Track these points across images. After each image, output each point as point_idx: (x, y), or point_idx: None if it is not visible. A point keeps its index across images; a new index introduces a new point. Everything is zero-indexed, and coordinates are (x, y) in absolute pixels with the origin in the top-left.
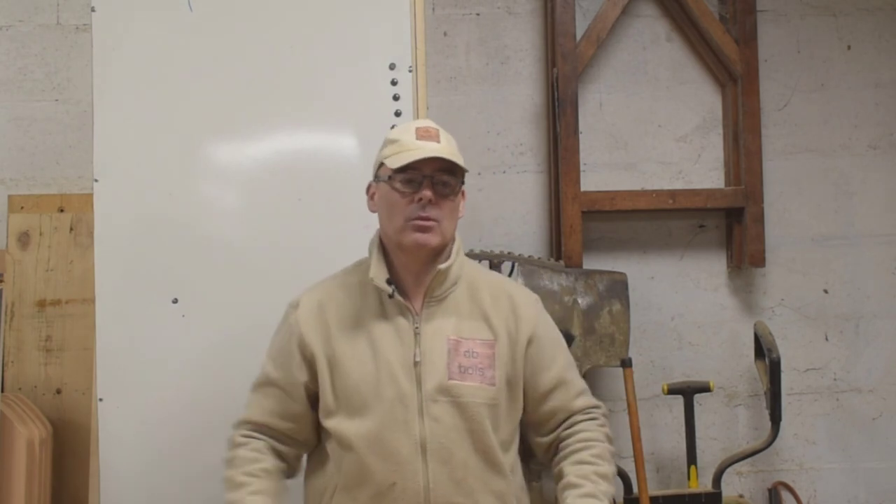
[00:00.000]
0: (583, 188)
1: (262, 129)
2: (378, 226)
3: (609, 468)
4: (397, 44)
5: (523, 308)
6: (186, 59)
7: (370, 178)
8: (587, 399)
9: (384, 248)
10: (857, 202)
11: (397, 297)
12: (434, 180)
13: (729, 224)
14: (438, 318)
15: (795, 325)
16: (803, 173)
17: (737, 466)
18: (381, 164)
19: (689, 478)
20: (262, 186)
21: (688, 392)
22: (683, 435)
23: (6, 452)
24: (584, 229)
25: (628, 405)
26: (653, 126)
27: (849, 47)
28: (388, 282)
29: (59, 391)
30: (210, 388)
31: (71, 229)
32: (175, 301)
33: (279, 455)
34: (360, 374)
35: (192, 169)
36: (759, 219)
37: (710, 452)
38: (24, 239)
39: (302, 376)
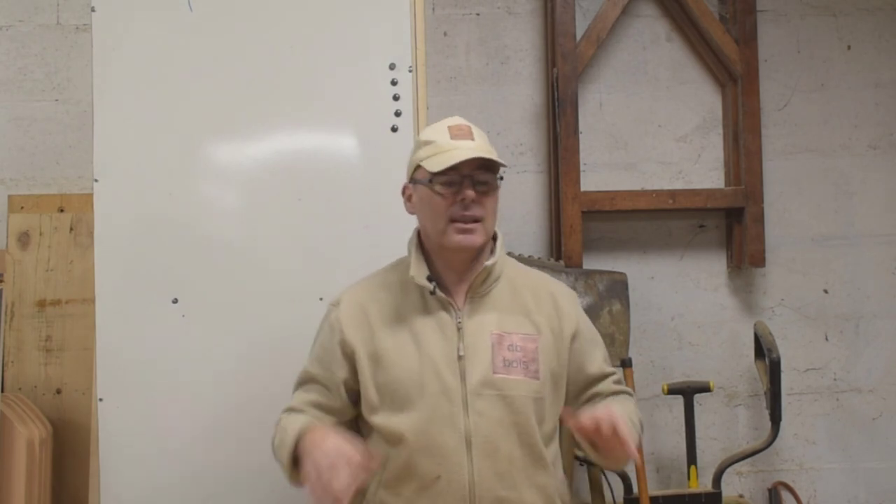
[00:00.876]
0: (583, 188)
1: (262, 129)
2: (417, 225)
3: (635, 410)
4: (397, 44)
5: (565, 305)
6: (186, 59)
7: (371, 178)
8: (623, 387)
9: (423, 246)
10: (857, 202)
11: (439, 293)
12: (474, 179)
13: (729, 224)
14: (481, 313)
15: (795, 325)
16: (803, 173)
17: (737, 466)
18: (418, 167)
19: (689, 478)
20: (262, 186)
21: (688, 392)
22: (683, 435)
23: (6, 452)
24: (584, 229)
25: None
26: (653, 126)
27: (849, 47)
28: (429, 278)
29: (59, 391)
30: (210, 387)
31: (71, 229)
32: (175, 301)
33: None
34: (403, 369)
35: (192, 169)
36: (759, 219)
37: (710, 452)
38: (24, 239)
39: (342, 373)
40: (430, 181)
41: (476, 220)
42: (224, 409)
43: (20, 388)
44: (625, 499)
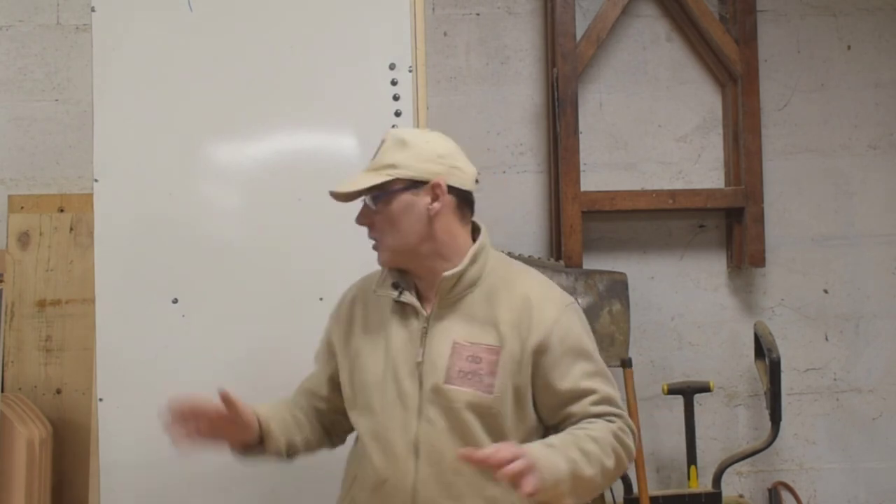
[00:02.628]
0: (583, 188)
1: (262, 129)
2: None
3: (598, 446)
4: (397, 44)
5: (539, 314)
6: (186, 59)
7: None
8: (609, 408)
9: None
10: (857, 202)
11: (405, 298)
12: (365, 201)
13: (729, 224)
14: (448, 321)
15: (795, 325)
16: (803, 173)
17: (737, 466)
18: None
19: (689, 478)
20: (262, 186)
21: (688, 392)
22: (683, 435)
23: (6, 452)
24: (584, 229)
25: (628, 405)
26: (653, 126)
27: (849, 47)
28: (396, 286)
29: (59, 391)
30: (210, 387)
31: (71, 229)
32: (175, 301)
33: (320, 417)
34: (370, 372)
35: (192, 169)
36: (759, 219)
37: (710, 452)
38: (24, 239)
39: (327, 366)
40: None
41: (375, 241)
42: None
43: (20, 388)
44: (625, 499)
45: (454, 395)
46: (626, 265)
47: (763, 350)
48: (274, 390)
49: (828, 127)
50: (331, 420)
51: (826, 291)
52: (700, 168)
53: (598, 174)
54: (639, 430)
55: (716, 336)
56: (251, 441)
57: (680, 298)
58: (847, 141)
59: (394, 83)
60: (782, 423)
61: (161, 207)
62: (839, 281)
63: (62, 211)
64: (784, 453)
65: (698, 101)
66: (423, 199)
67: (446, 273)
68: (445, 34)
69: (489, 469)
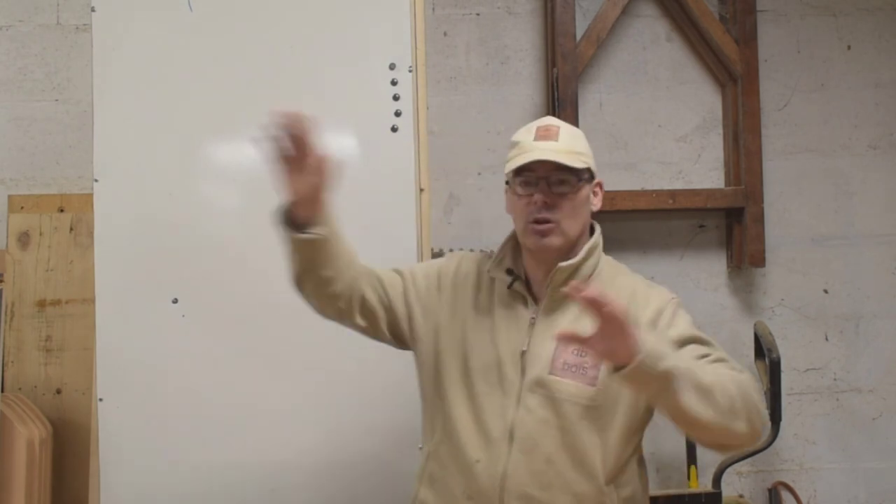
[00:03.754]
0: None
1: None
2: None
3: (738, 378)
4: (397, 44)
5: (648, 299)
6: (186, 59)
7: (371, 178)
8: (728, 363)
9: (517, 241)
10: (857, 202)
11: (517, 287)
12: (550, 180)
13: (729, 224)
14: (557, 313)
15: (795, 325)
16: (803, 173)
17: (737, 466)
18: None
19: (689, 478)
20: (262, 186)
21: None
22: (683, 435)
23: (6, 452)
24: None
25: None
26: (653, 126)
27: (849, 47)
28: (509, 272)
29: (59, 391)
30: (210, 387)
31: (71, 229)
32: (175, 301)
33: (360, 290)
34: (476, 354)
35: (192, 169)
36: (759, 219)
37: (710, 452)
38: (24, 239)
39: (399, 306)
40: (510, 182)
41: (550, 222)
42: (224, 408)
43: (20, 388)
44: None
45: (559, 386)
46: (626, 265)
47: (763, 350)
48: (274, 390)
49: (828, 127)
50: (358, 302)
51: (826, 291)
52: (700, 168)
53: (598, 174)
54: None
55: (716, 336)
56: (311, 213)
57: (680, 298)
58: (847, 141)
59: (394, 83)
60: (782, 423)
61: (161, 207)
62: (839, 281)
63: (62, 211)
64: (784, 453)
65: (698, 101)
66: (590, 194)
67: (562, 264)
68: (445, 34)
69: (590, 304)
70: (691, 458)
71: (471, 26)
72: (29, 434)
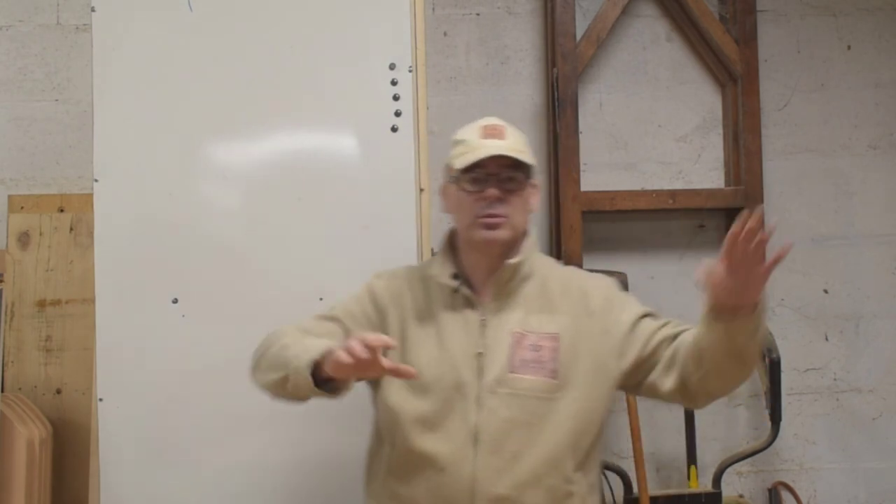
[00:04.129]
0: (583, 188)
1: (262, 129)
2: (452, 225)
3: None
4: (397, 44)
5: (595, 301)
6: (186, 59)
7: (371, 178)
8: (678, 324)
9: (454, 246)
10: (857, 202)
11: (462, 290)
12: (500, 177)
13: (729, 224)
14: (505, 312)
15: (795, 325)
16: (803, 173)
17: (737, 466)
18: (450, 166)
19: (689, 478)
20: (262, 186)
21: None
22: (683, 435)
23: (6, 452)
24: (584, 229)
25: (628, 405)
26: (653, 126)
27: (849, 47)
28: (455, 276)
29: (59, 391)
30: (210, 388)
31: (71, 229)
32: (175, 301)
33: None
34: (424, 361)
35: (192, 169)
36: (759, 219)
37: (710, 452)
38: (24, 239)
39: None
40: (458, 179)
41: (501, 217)
42: (224, 409)
43: (20, 388)
44: (625, 499)
45: (521, 383)
46: (626, 265)
47: (763, 350)
48: None
49: (828, 127)
50: None
51: (826, 291)
52: (700, 168)
53: (598, 174)
54: (639, 430)
55: None
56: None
57: (680, 298)
58: (847, 141)
59: (394, 83)
60: (782, 423)
61: (161, 207)
62: (839, 281)
63: (62, 211)
64: (784, 453)
65: (698, 101)
66: (531, 191)
67: (509, 261)
68: (445, 34)
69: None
70: (691, 458)
71: (471, 26)
72: (29, 434)
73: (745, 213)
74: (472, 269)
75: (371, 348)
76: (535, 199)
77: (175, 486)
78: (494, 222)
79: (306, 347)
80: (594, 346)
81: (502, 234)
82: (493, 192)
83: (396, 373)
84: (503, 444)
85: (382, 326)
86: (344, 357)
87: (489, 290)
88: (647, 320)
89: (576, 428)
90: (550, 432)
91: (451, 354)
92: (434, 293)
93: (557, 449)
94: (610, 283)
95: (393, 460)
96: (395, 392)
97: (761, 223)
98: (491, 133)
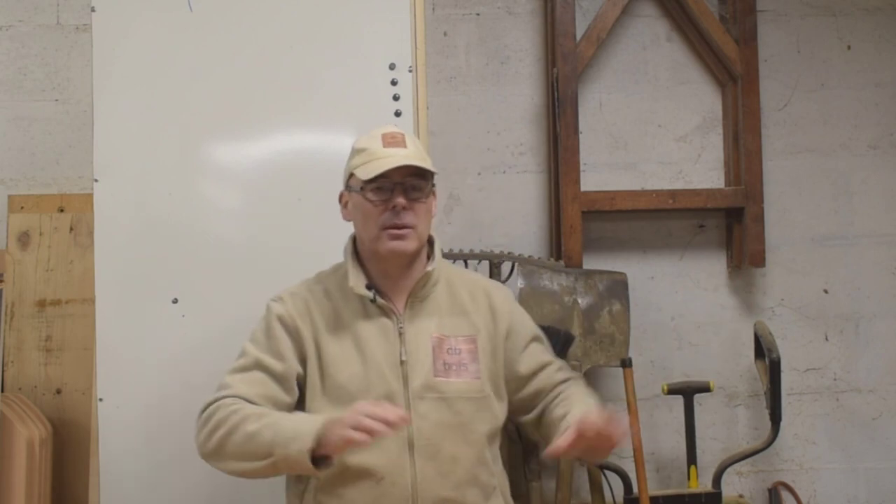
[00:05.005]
0: (583, 188)
1: (262, 129)
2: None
3: (587, 392)
4: (397, 44)
5: (499, 302)
6: (186, 59)
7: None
8: (565, 372)
9: (359, 254)
10: (857, 202)
11: (380, 300)
12: (405, 186)
13: (729, 224)
14: (421, 318)
15: (795, 325)
16: (803, 173)
17: (737, 466)
18: (352, 175)
19: (689, 478)
20: (262, 186)
21: (688, 392)
22: (683, 435)
23: (6, 452)
24: (584, 229)
25: (628, 405)
26: (653, 126)
27: (849, 47)
28: (368, 287)
29: (59, 391)
30: (210, 388)
31: (71, 229)
32: (175, 301)
33: None
34: (348, 374)
35: (192, 169)
36: (759, 219)
37: (710, 452)
38: (24, 239)
39: (295, 365)
40: (362, 189)
41: (407, 227)
42: None
43: (20, 388)
44: (625, 499)
45: (448, 386)
46: (626, 265)
47: (763, 350)
48: None
49: (828, 127)
50: None
51: (826, 291)
52: (700, 168)
53: (598, 174)
54: (639, 430)
55: (716, 336)
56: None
57: (680, 298)
58: (847, 141)
59: (394, 83)
60: (782, 423)
61: (161, 207)
62: (839, 281)
63: (62, 211)
64: (784, 453)
65: (698, 101)
66: (432, 198)
67: (428, 268)
68: (445, 34)
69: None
70: (691, 458)
71: (471, 26)
72: (29, 434)
73: (610, 419)
74: (380, 278)
75: (391, 424)
76: (434, 205)
77: (175, 486)
78: (401, 233)
79: (289, 430)
80: (499, 344)
81: (409, 245)
82: (400, 201)
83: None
84: (440, 449)
85: (299, 349)
86: (359, 437)
87: (401, 298)
88: (535, 346)
89: (494, 423)
90: (479, 431)
91: (377, 364)
92: (343, 306)
93: (483, 446)
94: (508, 292)
95: (327, 476)
96: (321, 408)
97: (618, 430)
98: (392, 142)
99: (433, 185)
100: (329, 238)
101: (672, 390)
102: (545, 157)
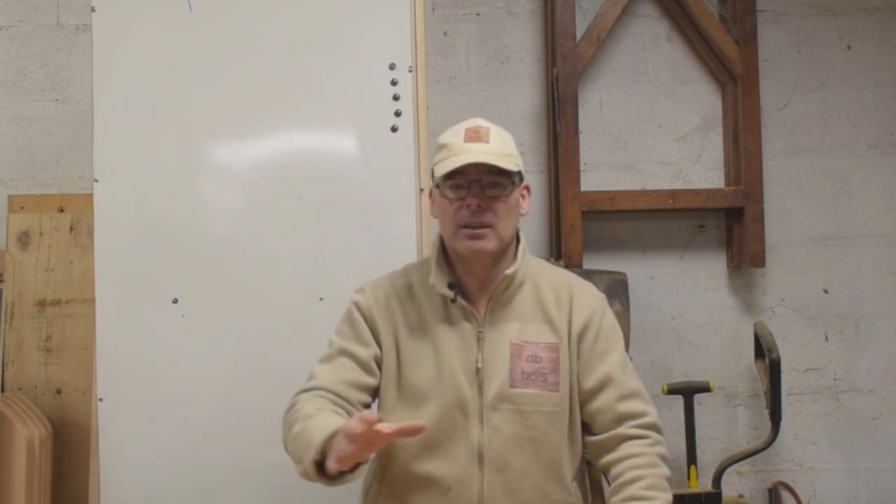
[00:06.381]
0: (583, 188)
1: (262, 129)
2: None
3: (662, 497)
4: (397, 44)
5: (581, 299)
6: (186, 59)
7: (371, 178)
8: (636, 404)
9: (446, 251)
10: (857, 202)
11: (460, 301)
12: (483, 183)
13: (729, 224)
14: (502, 323)
15: (795, 325)
16: (803, 173)
17: (737, 466)
18: (433, 171)
19: (689, 478)
20: (262, 186)
21: (688, 392)
22: (683, 435)
23: (6, 452)
24: (584, 229)
25: None
26: (653, 126)
27: (849, 47)
28: (451, 286)
29: (59, 391)
30: (210, 387)
31: (71, 229)
32: (175, 301)
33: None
34: (423, 377)
35: (192, 169)
36: (759, 219)
37: (710, 452)
38: (24, 239)
39: (375, 348)
40: (440, 185)
41: (485, 226)
42: (224, 408)
43: (20, 388)
44: None
45: (524, 397)
46: (626, 265)
47: (763, 350)
48: (274, 390)
49: (828, 127)
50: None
51: (826, 291)
52: (700, 168)
53: (598, 174)
54: None
55: (716, 336)
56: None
57: (680, 298)
58: (847, 141)
59: (394, 83)
60: (782, 423)
61: (161, 207)
62: (839, 281)
63: (62, 211)
64: (784, 453)
65: (698, 101)
66: (520, 197)
67: (508, 271)
68: (445, 34)
69: None
70: (691, 458)
71: (471, 26)
72: (29, 434)
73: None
74: (465, 277)
75: (368, 425)
76: (527, 202)
77: (175, 486)
78: (478, 233)
79: (305, 440)
80: (573, 355)
81: (487, 244)
82: (473, 201)
83: (402, 433)
84: (509, 463)
85: (376, 338)
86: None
87: (483, 300)
88: (609, 390)
89: (573, 437)
90: (553, 446)
91: (452, 370)
92: (425, 304)
93: (559, 462)
94: (599, 299)
95: (391, 480)
96: (392, 405)
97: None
98: (473, 136)
99: (520, 182)
100: (329, 238)
101: (672, 390)
102: (545, 157)
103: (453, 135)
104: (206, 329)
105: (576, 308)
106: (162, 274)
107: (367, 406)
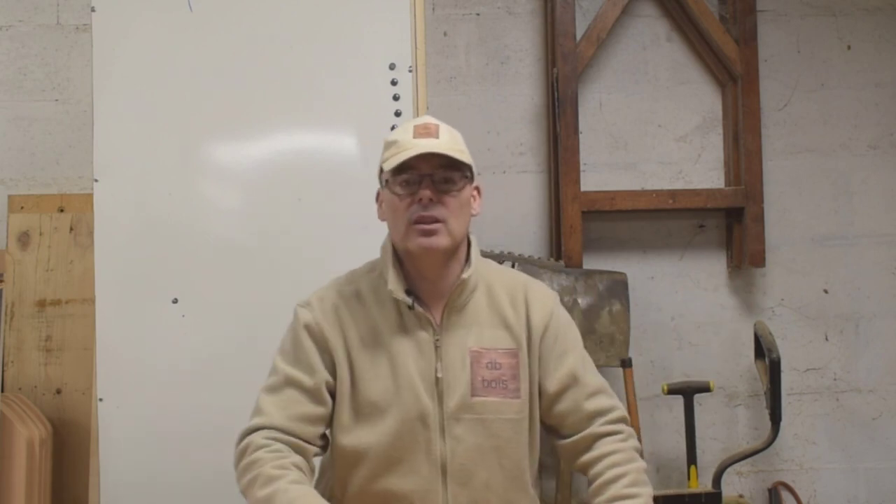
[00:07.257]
0: (583, 188)
1: (262, 129)
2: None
3: (645, 492)
4: (397, 44)
5: (536, 300)
6: (186, 59)
7: (370, 178)
8: (603, 400)
9: (398, 255)
10: (857, 202)
11: (418, 308)
12: (434, 178)
13: (729, 224)
14: (459, 329)
15: (795, 325)
16: (803, 173)
17: (737, 466)
18: (381, 169)
19: (689, 478)
20: (262, 186)
21: (688, 392)
22: (683, 435)
23: (6, 452)
24: (584, 229)
25: (628, 405)
26: (653, 126)
27: (849, 47)
28: (408, 292)
29: (59, 391)
30: (210, 387)
31: (71, 229)
32: (175, 301)
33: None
34: (379, 390)
35: (192, 169)
36: (759, 219)
37: (710, 452)
38: (24, 239)
39: (325, 375)
40: (389, 182)
41: (437, 221)
42: (224, 408)
43: (20, 388)
44: None
45: (483, 406)
46: (626, 265)
47: (763, 350)
48: None
49: (828, 127)
50: (306, 452)
51: (826, 291)
52: (700, 168)
53: (598, 174)
54: (639, 431)
55: (716, 336)
56: None
57: (680, 298)
58: (847, 141)
59: (394, 83)
60: (782, 423)
61: (161, 207)
62: (839, 281)
63: (62, 211)
64: (784, 453)
65: (698, 101)
66: (471, 196)
67: (464, 275)
68: (445, 34)
69: None
70: (691, 458)
71: (471, 26)
72: (29, 434)
73: None
74: (418, 281)
75: None
76: (478, 204)
77: (175, 486)
78: (430, 228)
79: None
80: (533, 359)
81: (440, 241)
82: (426, 192)
83: None
84: (473, 474)
85: (328, 358)
86: None
87: (438, 306)
88: (573, 391)
89: (533, 443)
90: (517, 454)
91: (409, 381)
92: (376, 312)
93: (522, 469)
94: (553, 299)
95: (351, 499)
96: (348, 423)
97: None
98: (423, 132)
99: (470, 178)
100: (329, 238)
101: (672, 390)
102: (545, 157)
103: (402, 132)
104: (206, 329)
105: (532, 310)
106: (162, 274)
107: (322, 436)
